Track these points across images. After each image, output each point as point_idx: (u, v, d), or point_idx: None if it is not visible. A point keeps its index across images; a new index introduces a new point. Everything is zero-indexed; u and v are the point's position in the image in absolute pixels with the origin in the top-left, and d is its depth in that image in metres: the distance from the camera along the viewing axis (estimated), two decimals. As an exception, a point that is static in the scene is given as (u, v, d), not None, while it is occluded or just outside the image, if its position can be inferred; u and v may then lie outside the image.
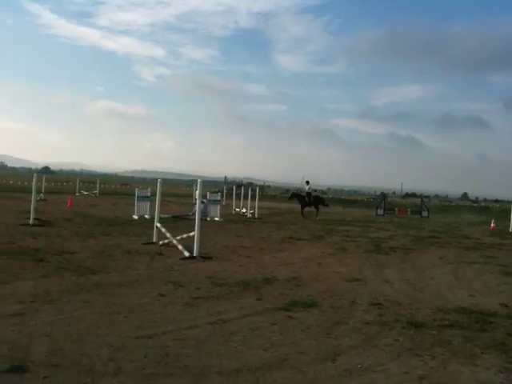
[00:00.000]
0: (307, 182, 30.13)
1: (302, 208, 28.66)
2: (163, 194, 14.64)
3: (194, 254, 11.48)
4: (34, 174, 19.47)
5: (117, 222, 19.59)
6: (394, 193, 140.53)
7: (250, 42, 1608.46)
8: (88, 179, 63.35)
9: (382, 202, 41.82)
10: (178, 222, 19.67)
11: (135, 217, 21.89)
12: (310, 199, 28.95)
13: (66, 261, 10.14)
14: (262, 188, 72.98)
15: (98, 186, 45.16)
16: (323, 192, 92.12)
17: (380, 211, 38.31)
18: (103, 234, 15.19)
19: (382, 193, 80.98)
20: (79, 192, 42.87)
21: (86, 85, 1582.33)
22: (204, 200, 23.32)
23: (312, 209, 28.94)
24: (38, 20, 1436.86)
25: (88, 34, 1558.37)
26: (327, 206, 31.46)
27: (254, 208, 27.58)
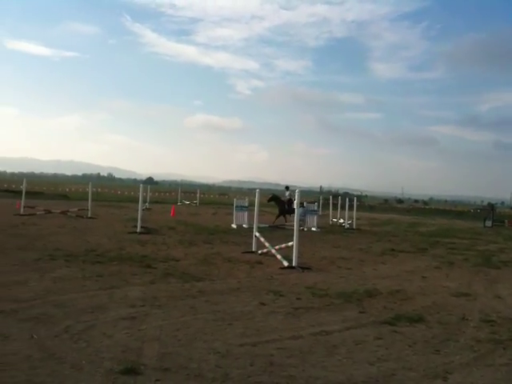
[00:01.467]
0: (287, 188, 27.72)
1: (279, 215, 25.83)
2: (260, 204, 14.80)
3: (293, 264, 11.47)
4: (141, 185, 20.59)
5: (217, 230, 20.14)
6: (502, 203, 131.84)
7: (344, 51, 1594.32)
8: (188, 189, 65.88)
9: (490, 213, 39.37)
10: (276, 231, 19.82)
11: (234, 226, 22.40)
12: (289, 206, 25.31)
13: (171, 267, 10.57)
14: (360, 198, 71.69)
15: (198, 196, 46.82)
16: (424, 203, 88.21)
17: (488, 223, 36.13)
18: (204, 242, 15.67)
19: (490, 203, 76.02)
20: (181, 202, 44.68)
21: (184, 99, 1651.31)
22: (304, 204, 23.41)
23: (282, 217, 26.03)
24: (139, 39, 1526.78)
25: (186, 51, 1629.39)
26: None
27: (352, 218, 27.09)
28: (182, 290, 8.47)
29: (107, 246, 13.46)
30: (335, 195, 54.58)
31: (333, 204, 33.35)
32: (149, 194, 40.06)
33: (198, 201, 45.70)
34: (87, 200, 24.45)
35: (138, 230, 17.19)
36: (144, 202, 29.08)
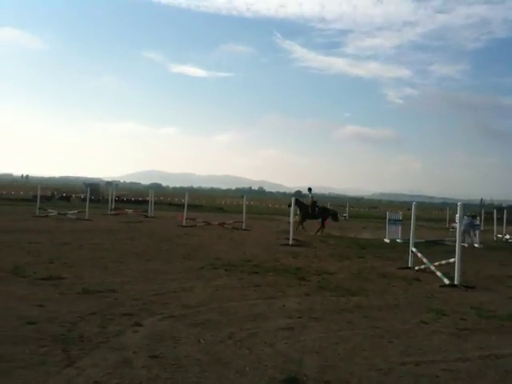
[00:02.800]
0: (309, 190, 25.77)
1: (303, 220, 24.28)
2: (416, 218, 14.15)
3: (455, 282, 10.73)
4: (292, 198, 20.99)
5: (369, 244, 19.70)
6: None
7: (507, 51, 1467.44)
8: (337, 202, 65.57)
9: None
10: (433, 247, 18.75)
11: (386, 240, 21.74)
12: (313, 210, 24.31)
13: (324, 280, 10.56)
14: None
15: (347, 209, 46.39)
16: None
17: None
18: (357, 256, 15.42)
19: None
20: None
21: (333, 111, 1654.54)
22: (471, 217, 21.76)
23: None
24: (289, 55, 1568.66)
25: (335, 63, 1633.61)
26: (337, 220, 26.06)
27: (520, 234, 24.64)
28: (337, 303, 8.42)
29: (262, 256, 13.92)
30: (499, 208, 50.03)
31: (497, 218, 30.64)
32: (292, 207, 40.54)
33: (347, 214, 45.26)
34: (241, 212, 25.58)
35: (291, 242, 17.52)
36: (295, 214, 29.59)
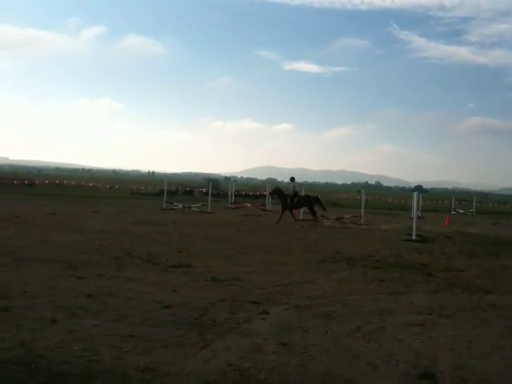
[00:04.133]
0: (292, 179, 24.02)
1: (283, 211, 22.28)
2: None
3: None
4: (414, 193, 20.18)
5: (501, 241, 18.31)
6: None
7: None
8: (462, 197, 61.80)
9: None
10: None
11: (521, 237, 20.06)
12: (292, 201, 22.46)
13: (454, 278, 10.01)
14: None
15: (473, 204, 43.54)
16: None
17: None
18: (488, 253, 14.40)
19: None
20: (454, 210, 42.20)
21: (455, 103, 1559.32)
22: None
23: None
24: (407, 46, 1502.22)
25: (457, 52, 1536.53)
26: (322, 207, 23.43)
27: None
28: (469, 301, 7.93)
29: (384, 252, 13.54)
30: None
31: None
32: (420, 202, 38.95)
33: (473, 210, 42.47)
34: (358, 207, 25.09)
35: (414, 237, 16.84)
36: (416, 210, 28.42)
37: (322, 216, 24.08)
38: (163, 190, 30.39)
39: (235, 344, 5.28)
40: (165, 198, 28.71)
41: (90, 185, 43.12)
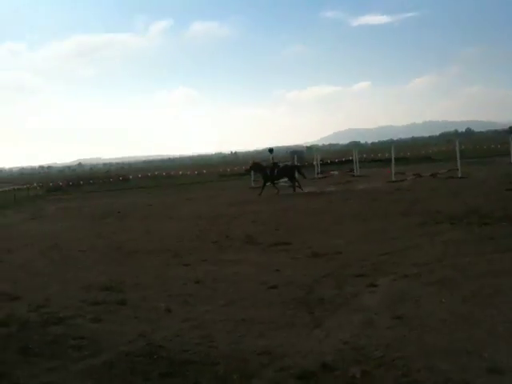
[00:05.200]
0: (270, 151, 23.71)
1: (264, 184, 21.77)
2: None
3: None
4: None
5: None
6: None
7: None
8: None
9: None
10: None
11: None
12: (272, 173, 21.81)
13: None
14: None
15: None
16: None
17: None
18: None
19: None
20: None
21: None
22: None
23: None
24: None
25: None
26: (304, 177, 23.18)
27: None
28: None
29: (488, 206, 12.67)
30: None
31: None
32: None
33: None
34: (452, 159, 23.80)
35: (519, 186, 15.70)
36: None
37: (416, 174, 23.19)
38: (249, 169, 30.62)
39: (347, 321, 5.20)
40: (252, 177, 28.97)
41: (180, 173, 44.46)
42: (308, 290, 6.47)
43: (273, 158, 22.92)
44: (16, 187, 36.98)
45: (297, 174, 22.63)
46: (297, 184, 21.69)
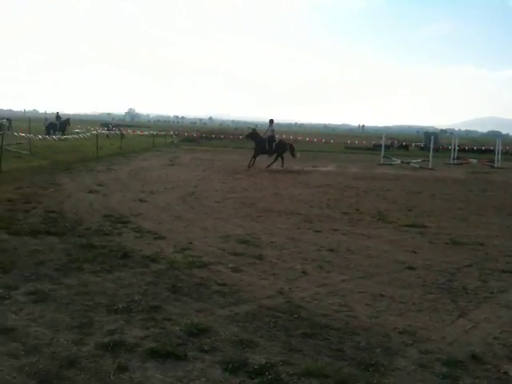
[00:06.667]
0: (271, 121, 22.02)
1: (256, 155, 20.84)
2: None
3: None
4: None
5: None
6: None
7: None
8: None
9: None
10: None
11: None
12: (270, 146, 20.82)
13: None
14: None
15: None
16: None
17: None
18: None
19: None
20: None
21: None
22: None
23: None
24: None
25: None
26: (295, 156, 21.74)
27: None
28: None
29: None
30: None
31: None
32: None
33: None
34: None
35: None
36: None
37: None
38: (377, 145, 29.83)
39: (495, 316, 4.93)
40: (382, 153, 28.18)
41: (307, 139, 44.52)
42: (450, 277, 6.20)
43: (272, 130, 21.51)
44: (154, 133, 39.44)
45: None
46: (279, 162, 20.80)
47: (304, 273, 6.18)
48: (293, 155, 21.56)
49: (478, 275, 6.33)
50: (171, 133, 44.00)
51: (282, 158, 21.01)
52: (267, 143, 20.89)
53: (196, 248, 7.18)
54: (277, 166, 20.66)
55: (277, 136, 22.53)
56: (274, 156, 20.95)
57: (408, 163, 26.25)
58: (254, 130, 23.46)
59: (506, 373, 3.74)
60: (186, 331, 4.27)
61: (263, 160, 20.67)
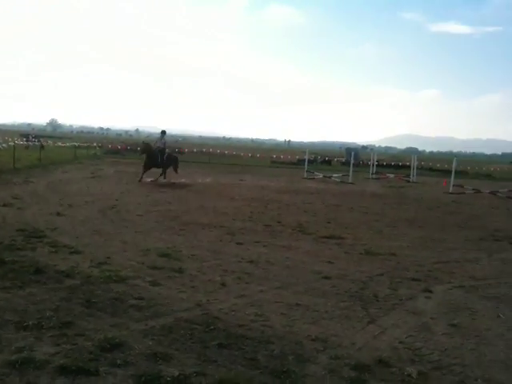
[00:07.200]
0: (163, 133, 21.03)
1: (146, 169, 19.63)
2: None
3: None
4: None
5: None
6: None
7: None
8: None
9: None
10: None
11: None
12: (162, 159, 19.87)
13: None
14: None
15: None
16: None
17: None
18: None
19: None
20: None
21: None
22: None
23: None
24: None
25: None
26: (177, 171, 20.79)
27: None
28: None
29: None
30: None
31: None
32: None
33: None
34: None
35: None
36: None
37: (476, 190, 22.52)
38: (301, 159, 30.65)
39: (402, 321, 5.21)
40: (306, 167, 28.95)
41: (233, 153, 44.89)
42: (362, 285, 6.49)
43: (164, 144, 20.53)
44: (76, 144, 38.20)
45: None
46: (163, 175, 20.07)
47: (223, 285, 6.22)
48: (175, 170, 20.74)
49: (389, 283, 6.67)
50: (94, 144, 42.83)
51: (165, 172, 20.09)
52: (160, 156, 19.90)
53: (114, 262, 7.03)
54: (168, 178, 20.09)
55: (167, 150, 21.31)
56: (162, 169, 20.00)
57: (330, 177, 27.14)
58: (148, 144, 21.72)
59: (409, 375, 3.96)
60: (98, 346, 4.18)
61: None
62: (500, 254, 9.20)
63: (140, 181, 19.07)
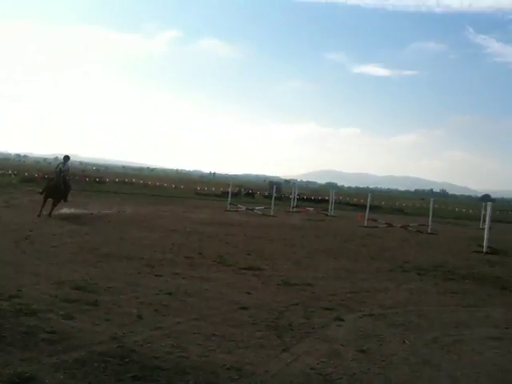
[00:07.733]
0: (66, 158, 18.18)
1: (56, 203, 17.15)
2: None
3: None
4: (489, 204, 19.65)
5: None
6: None
7: None
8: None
9: None
10: None
11: None
12: (66, 186, 17.60)
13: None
14: None
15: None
16: None
17: None
18: None
19: None
20: (525, 221, 40.34)
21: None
22: None
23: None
24: (482, 51, 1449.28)
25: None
26: (65, 200, 17.94)
27: None
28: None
29: (454, 263, 13.25)
30: None
31: None
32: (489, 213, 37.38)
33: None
34: (423, 215, 24.53)
35: (485, 249, 16.33)
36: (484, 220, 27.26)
37: (388, 224, 23.75)
38: (226, 192, 30.96)
39: (314, 349, 5.41)
40: (229, 200, 29.22)
41: (157, 184, 44.40)
42: (278, 315, 6.65)
43: (68, 170, 18.34)
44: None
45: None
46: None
47: (139, 317, 6.15)
48: (65, 199, 18.11)
49: (303, 313, 6.90)
50: (10, 172, 40.78)
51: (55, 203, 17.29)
52: (63, 184, 17.39)
53: (25, 295, 6.74)
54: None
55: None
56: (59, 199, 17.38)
57: (252, 210, 27.52)
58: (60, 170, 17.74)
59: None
60: (7, 381, 4.02)
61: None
62: (408, 284, 9.77)
63: (39, 215, 16.28)
